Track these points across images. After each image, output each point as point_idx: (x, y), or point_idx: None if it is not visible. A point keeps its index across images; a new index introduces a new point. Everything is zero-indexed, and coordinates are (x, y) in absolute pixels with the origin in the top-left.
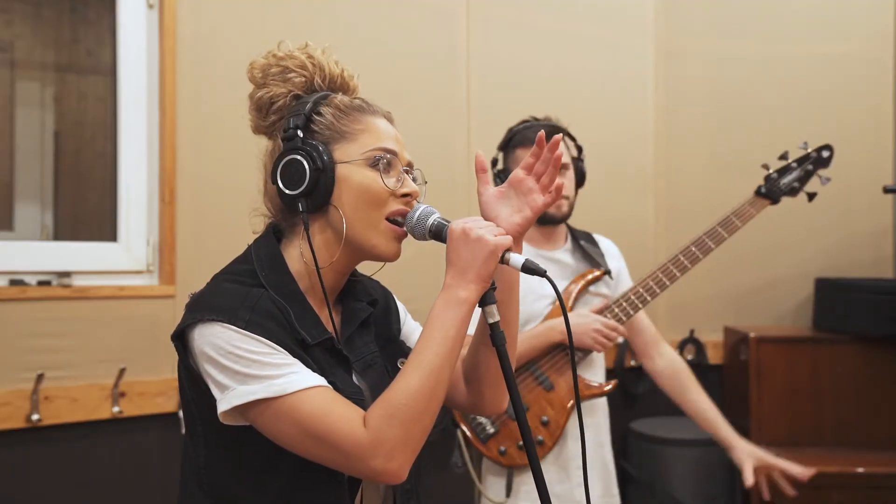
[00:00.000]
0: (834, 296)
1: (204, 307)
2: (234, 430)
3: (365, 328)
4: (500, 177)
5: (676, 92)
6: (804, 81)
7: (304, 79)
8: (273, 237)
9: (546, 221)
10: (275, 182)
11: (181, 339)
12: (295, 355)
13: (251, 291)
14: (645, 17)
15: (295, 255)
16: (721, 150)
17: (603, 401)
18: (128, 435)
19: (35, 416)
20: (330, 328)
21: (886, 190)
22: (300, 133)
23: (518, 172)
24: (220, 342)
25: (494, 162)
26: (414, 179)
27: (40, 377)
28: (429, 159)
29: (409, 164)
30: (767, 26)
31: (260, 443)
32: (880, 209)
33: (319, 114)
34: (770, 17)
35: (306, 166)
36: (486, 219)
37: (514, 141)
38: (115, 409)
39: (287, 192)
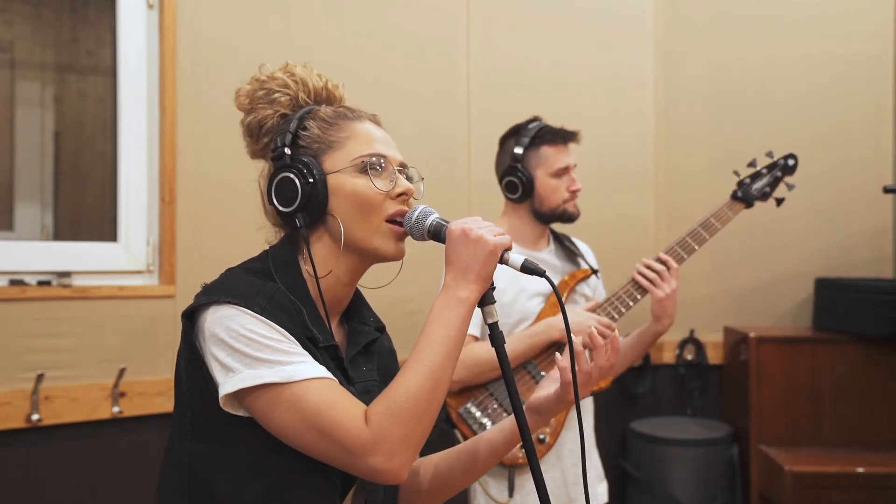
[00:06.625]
0: (834, 296)
1: (220, 291)
2: (225, 424)
3: (369, 353)
4: (523, 173)
5: (676, 92)
6: (804, 81)
7: (288, 97)
8: (289, 244)
9: (566, 220)
10: (271, 202)
11: (191, 318)
12: (306, 350)
13: (267, 284)
14: (645, 16)
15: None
16: (721, 150)
17: (589, 399)
18: (128, 435)
19: (35, 416)
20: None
21: (886, 190)
22: (288, 151)
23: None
24: (233, 324)
25: (516, 158)
26: (410, 178)
27: (40, 377)
28: (429, 159)
29: (402, 164)
30: (767, 26)
31: (251, 438)
32: (880, 209)
33: (305, 128)
34: (770, 17)
35: (297, 182)
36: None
37: (539, 138)
38: (115, 409)
39: (283, 209)
